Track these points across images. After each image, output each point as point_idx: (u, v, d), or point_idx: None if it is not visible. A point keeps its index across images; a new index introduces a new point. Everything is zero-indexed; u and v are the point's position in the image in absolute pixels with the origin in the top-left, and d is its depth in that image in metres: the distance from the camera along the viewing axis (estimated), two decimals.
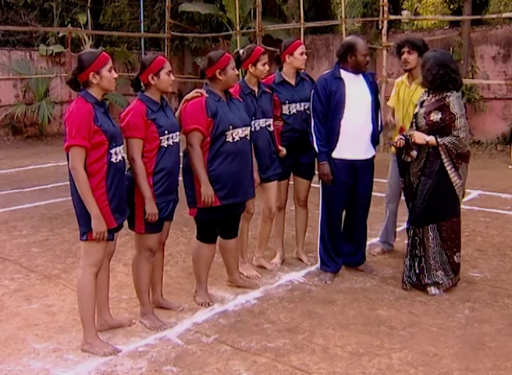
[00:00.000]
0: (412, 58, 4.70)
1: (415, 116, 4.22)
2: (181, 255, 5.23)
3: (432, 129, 4.09)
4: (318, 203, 4.72)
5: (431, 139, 4.05)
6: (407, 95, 4.80)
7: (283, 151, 4.60)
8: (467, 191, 4.38)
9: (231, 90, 4.14)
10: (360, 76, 4.46)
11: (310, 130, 4.46)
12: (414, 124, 4.22)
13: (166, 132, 3.63)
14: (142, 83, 3.72)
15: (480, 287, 4.42)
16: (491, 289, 4.37)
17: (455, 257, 4.26)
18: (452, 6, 12.85)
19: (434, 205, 4.15)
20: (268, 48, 12.50)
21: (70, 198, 3.38)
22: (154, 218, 3.59)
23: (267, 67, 4.45)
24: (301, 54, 4.67)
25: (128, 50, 15.31)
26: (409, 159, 4.19)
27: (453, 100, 4.09)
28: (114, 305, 4.00)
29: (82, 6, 15.85)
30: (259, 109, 4.41)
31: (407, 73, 4.87)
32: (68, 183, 3.42)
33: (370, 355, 3.38)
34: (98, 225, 3.25)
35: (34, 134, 13.52)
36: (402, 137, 4.16)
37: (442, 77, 4.05)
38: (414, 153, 4.15)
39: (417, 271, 4.26)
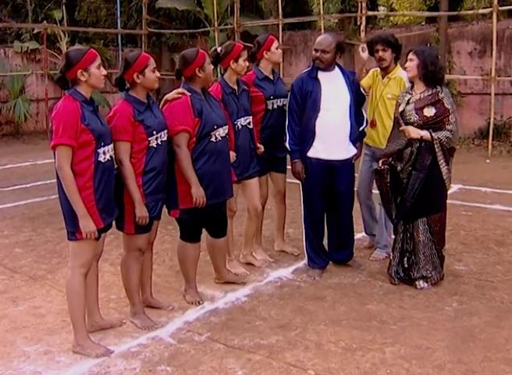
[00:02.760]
0: (387, 55, 4.71)
1: (401, 113, 4.23)
2: (167, 253, 5.19)
3: (426, 124, 4.12)
4: (301, 199, 4.73)
5: (426, 134, 4.09)
6: (379, 90, 4.81)
7: (261, 148, 4.61)
8: None
9: (210, 89, 4.12)
10: (340, 75, 4.45)
11: (284, 129, 4.50)
12: (403, 123, 4.21)
13: (154, 132, 3.58)
14: (127, 82, 3.65)
15: (466, 280, 4.48)
16: (477, 282, 4.43)
17: (442, 250, 4.33)
18: (428, 2, 12.99)
19: (425, 198, 4.18)
20: (246, 44, 12.50)
21: (51, 197, 3.36)
22: (145, 221, 3.56)
23: (247, 63, 4.43)
24: (277, 48, 4.70)
25: (104, 47, 15.13)
26: (401, 167, 4.25)
27: (445, 95, 4.16)
28: (103, 305, 3.95)
29: (56, 2, 15.60)
30: (241, 108, 4.38)
31: (379, 69, 4.89)
32: (48, 181, 3.37)
33: (363, 350, 3.40)
34: (86, 224, 3.21)
35: (10, 133, 13.30)
36: (386, 165, 4.26)
37: (442, 73, 4.17)
38: (407, 152, 4.20)
39: (406, 265, 4.31)
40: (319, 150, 4.41)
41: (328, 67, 4.41)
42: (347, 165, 4.53)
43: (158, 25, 14.84)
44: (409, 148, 4.18)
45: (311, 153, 4.44)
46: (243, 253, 4.91)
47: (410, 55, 4.21)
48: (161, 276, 4.62)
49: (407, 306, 4.00)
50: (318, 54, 4.35)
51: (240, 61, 4.36)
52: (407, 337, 3.55)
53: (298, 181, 4.66)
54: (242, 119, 4.39)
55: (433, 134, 4.07)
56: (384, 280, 4.45)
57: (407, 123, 4.19)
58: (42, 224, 6.18)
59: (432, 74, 4.13)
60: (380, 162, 4.35)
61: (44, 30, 13.02)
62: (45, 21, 13.73)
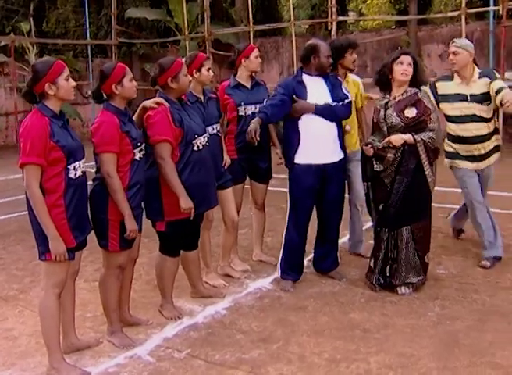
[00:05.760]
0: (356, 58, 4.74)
1: (384, 118, 4.18)
2: (143, 267, 5.06)
3: (409, 126, 4.08)
4: (279, 207, 4.66)
5: (409, 137, 4.06)
6: None
7: (228, 160, 4.56)
8: None
9: None
10: (322, 79, 4.41)
11: (264, 138, 4.47)
12: (384, 127, 4.17)
13: (139, 144, 3.50)
14: (104, 94, 3.52)
15: (447, 283, 4.45)
16: (458, 285, 4.40)
17: (426, 257, 4.28)
18: (397, 6, 13.10)
19: (410, 205, 4.12)
20: (217, 52, 12.45)
21: (22, 213, 3.24)
22: (135, 234, 3.46)
23: (211, 73, 4.37)
24: (256, 57, 4.70)
25: (74, 58, 14.95)
26: (380, 168, 4.16)
27: (423, 95, 4.16)
28: (79, 324, 3.81)
29: (24, 14, 15.38)
30: (207, 116, 4.32)
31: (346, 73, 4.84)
32: (20, 196, 3.25)
33: (347, 361, 3.33)
34: (57, 246, 3.08)
35: None
36: (370, 145, 4.15)
37: None
38: (391, 157, 4.13)
39: (388, 273, 4.26)
40: (307, 154, 4.33)
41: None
42: (338, 168, 4.43)
43: (127, 35, 14.73)
44: (392, 152, 4.13)
45: (299, 159, 4.36)
46: (220, 265, 4.83)
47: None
48: (138, 291, 4.48)
49: (390, 313, 3.95)
50: (330, 60, 4.36)
51: (203, 70, 4.30)
52: (390, 346, 3.50)
53: (280, 188, 4.59)
54: (210, 127, 4.31)
55: (416, 137, 4.04)
56: (365, 287, 4.39)
57: (389, 127, 4.15)
58: (13, 242, 6.02)
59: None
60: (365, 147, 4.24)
61: (12, 43, 12.80)
62: (12, 33, 13.51)
